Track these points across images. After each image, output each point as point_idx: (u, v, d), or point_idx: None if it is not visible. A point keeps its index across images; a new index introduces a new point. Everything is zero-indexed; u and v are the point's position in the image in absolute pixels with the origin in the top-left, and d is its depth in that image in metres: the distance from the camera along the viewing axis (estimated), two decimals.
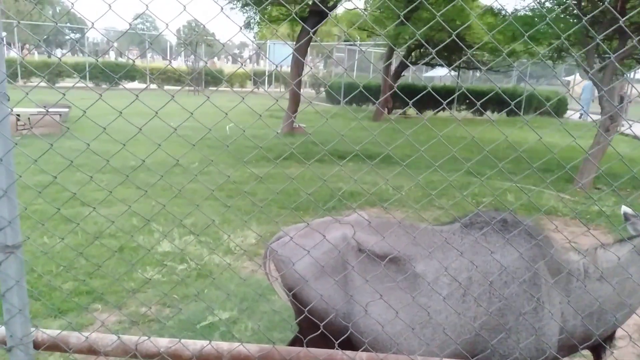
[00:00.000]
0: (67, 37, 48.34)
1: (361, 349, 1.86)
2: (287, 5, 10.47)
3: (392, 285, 1.96)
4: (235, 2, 11.02)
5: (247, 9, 11.05)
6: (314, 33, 11.71)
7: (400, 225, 2.10)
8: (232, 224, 5.71)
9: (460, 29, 1.82)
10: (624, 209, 2.33)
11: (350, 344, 2.03)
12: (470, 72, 24.14)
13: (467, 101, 18.04)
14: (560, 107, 18.91)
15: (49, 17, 51.10)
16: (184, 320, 3.61)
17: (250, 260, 4.71)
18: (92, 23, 1.48)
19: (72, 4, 1.51)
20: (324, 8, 9.57)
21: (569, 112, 18.74)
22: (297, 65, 11.03)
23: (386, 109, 17.34)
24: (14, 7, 35.66)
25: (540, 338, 1.95)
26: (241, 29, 1.69)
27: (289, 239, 2.15)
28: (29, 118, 9.40)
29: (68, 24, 47.33)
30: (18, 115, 9.30)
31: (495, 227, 2.03)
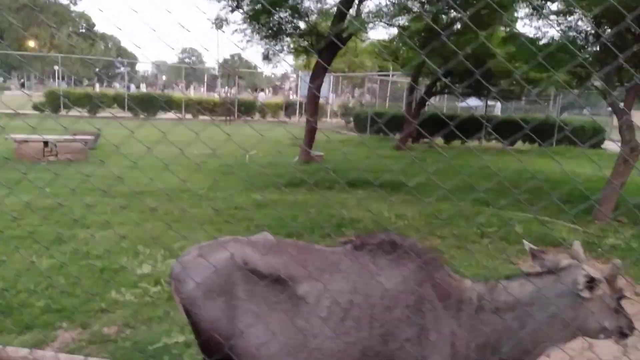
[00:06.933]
0: (118, 71, 51.27)
1: None
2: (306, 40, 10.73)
3: (274, 307, 1.90)
4: (256, 34, 11.38)
5: (267, 41, 11.39)
6: (329, 65, 11.86)
7: (294, 246, 2.05)
8: None
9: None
10: (527, 245, 2.21)
11: None
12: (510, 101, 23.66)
13: (498, 131, 17.67)
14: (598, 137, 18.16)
15: (101, 50, 54.44)
16: (140, 342, 3.62)
17: None
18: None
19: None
20: (336, 41, 9.72)
21: (606, 143, 17.93)
22: (313, 96, 11.20)
23: (411, 138, 17.17)
24: (67, 43, 38.25)
25: None
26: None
27: (190, 257, 2.14)
28: (55, 144, 9.93)
29: (119, 58, 50.21)
30: (46, 141, 9.84)
31: (384, 248, 1.94)
